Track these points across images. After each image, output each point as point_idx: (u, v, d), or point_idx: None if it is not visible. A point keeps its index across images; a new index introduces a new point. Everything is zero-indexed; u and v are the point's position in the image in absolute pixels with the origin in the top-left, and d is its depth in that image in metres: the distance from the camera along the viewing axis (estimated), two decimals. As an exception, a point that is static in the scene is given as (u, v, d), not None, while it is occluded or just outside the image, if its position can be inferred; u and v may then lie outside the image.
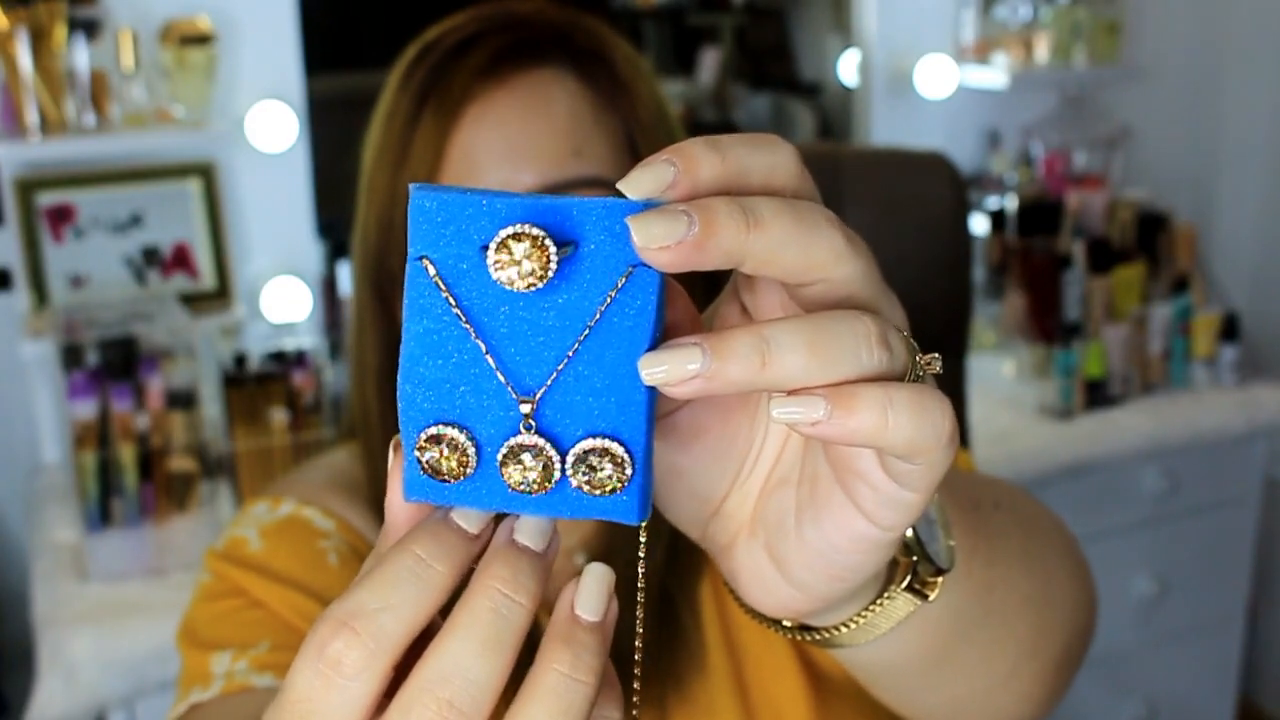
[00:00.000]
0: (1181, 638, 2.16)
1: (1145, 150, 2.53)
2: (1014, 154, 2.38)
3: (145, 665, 1.40)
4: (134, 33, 1.73)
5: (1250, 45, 2.50)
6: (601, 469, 0.37)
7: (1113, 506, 2.02)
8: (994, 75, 2.29)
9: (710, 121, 2.90)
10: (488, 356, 0.37)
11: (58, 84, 1.69)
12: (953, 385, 1.21)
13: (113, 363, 1.50)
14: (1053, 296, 2.05)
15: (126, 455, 1.50)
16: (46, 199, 1.76)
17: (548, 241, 0.35)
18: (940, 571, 0.47)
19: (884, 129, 2.36)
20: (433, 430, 0.38)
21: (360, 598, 0.37)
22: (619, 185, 0.36)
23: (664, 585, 0.77)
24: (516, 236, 0.35)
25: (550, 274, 0.35)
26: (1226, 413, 2.04)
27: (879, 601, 0.46)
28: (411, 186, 0.37)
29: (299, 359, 1.60)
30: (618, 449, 0.37)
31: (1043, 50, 2.31)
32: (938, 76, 2.31)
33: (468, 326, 0.37)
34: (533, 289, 0.36)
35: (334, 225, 2.00)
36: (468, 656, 0.37)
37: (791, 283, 0.38)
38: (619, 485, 0.38)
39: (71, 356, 1.49)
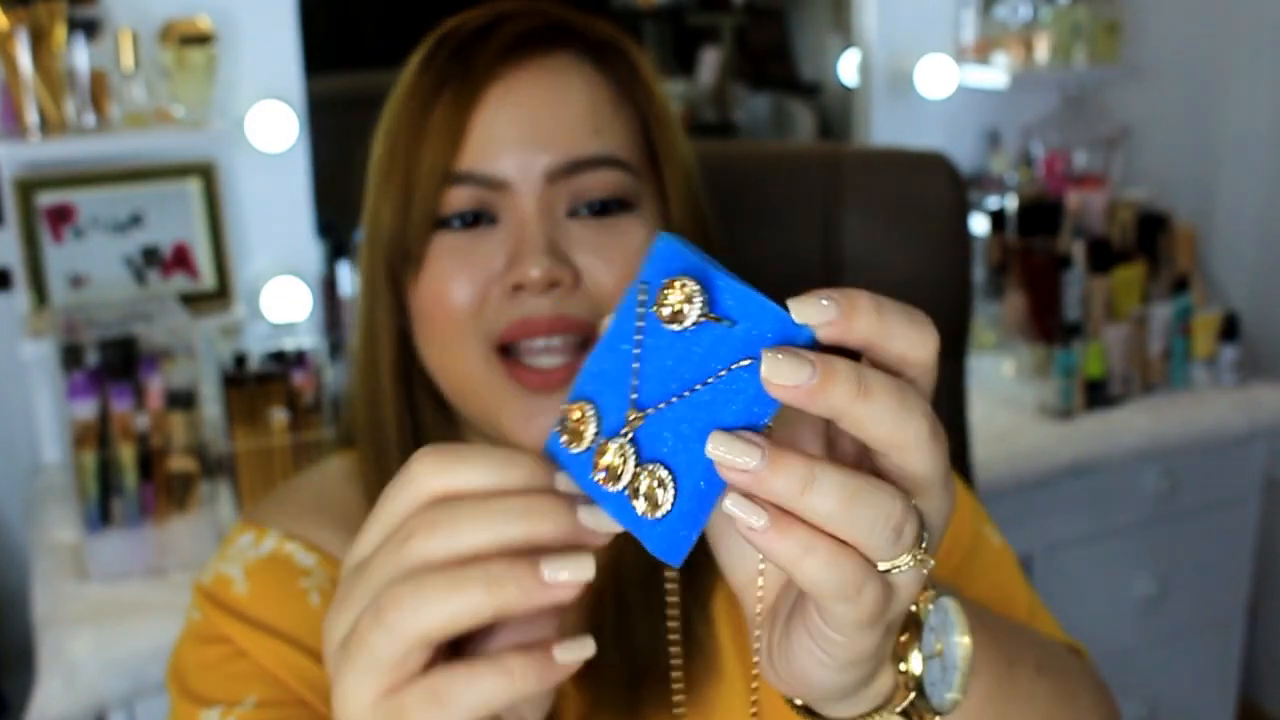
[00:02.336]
0: (1182, 638, 2.16)
1: (1145, 150, 2.53)
2: (1014, 154, 2.38)
3: (145, 665, 1.40)
4: (134, 33, 1.73)
5: (1250, 45, 2.50)
6: (654, 492, 0.43)
7: (1113, 507, 2.02)
8: (994, 75, 2.29)
9: (710, 121, 2.90)
10: (635, 365, 0.44)
11: (58, 84, 1.69)
12: (953, 386, 1.21)
13: (113, 363, 1.50)
14: (1053, 296, 2.05)
15: (126, 455, 1.49)
16: (46, 199, 1.76)
17: (697, 297, 0.42)
18: (936, 713, 0.49)
19: (884, 129, 2.36)
20: (580, 403, 0.46)
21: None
22: (790, 302, 0.41)
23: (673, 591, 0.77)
24: (681, 284, 0.42)
25: (686, 322, 0.42)
26: (1226, 413, 2.04)
27: (874, 715, 0.50)
28: (664, 234, 0.45)
29: (299, 359, 1.60)
30: (669, 482, 0.43)
31: (1043, 50, 2.31)
32: (938, 76, 2.30)
33: (637, 339, 0.44)
34: (673, 328, 0.43)
35: (333, 225, 2.00)
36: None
37: (870, 448, 0.43)
38: (659, 515, 0.43)
39: (71, 356, 1.49)
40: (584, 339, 0.73)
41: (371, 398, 0.80)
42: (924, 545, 0.43)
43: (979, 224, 2.21)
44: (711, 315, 0.42)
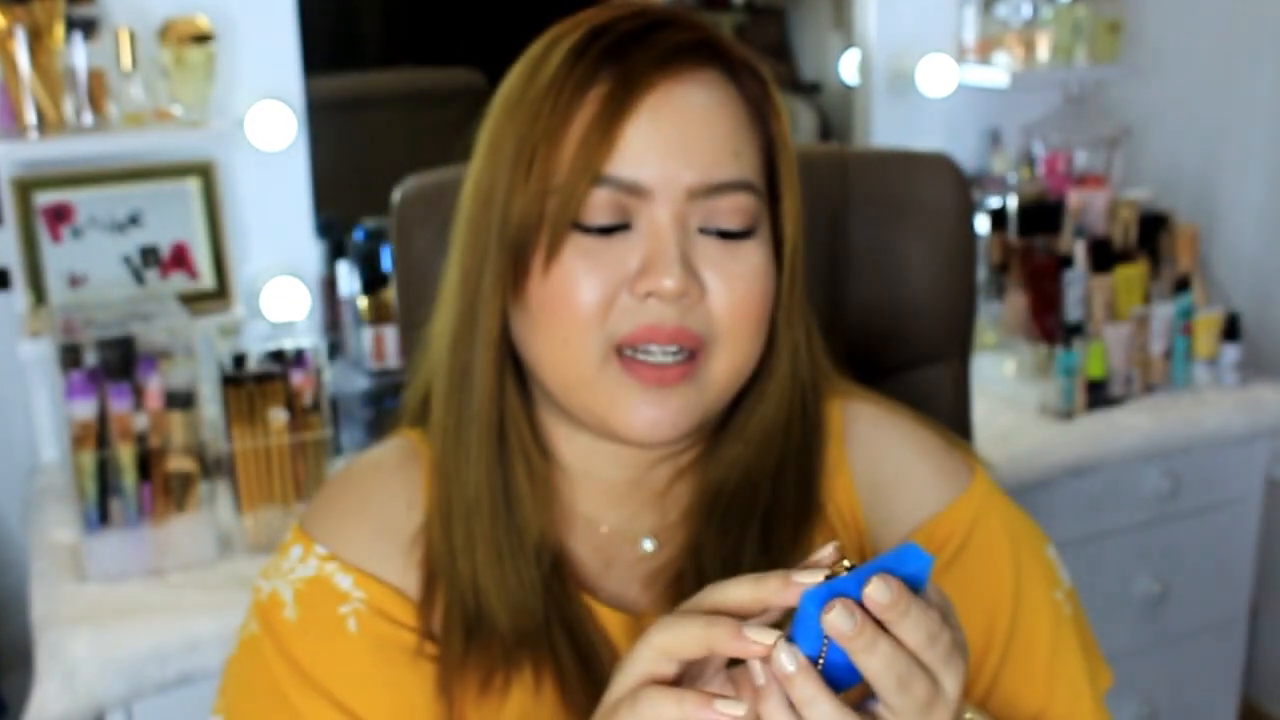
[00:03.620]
0: (1183, 639, 2.15)
1: (1147, 150, 2.52)
2: (1015, 153, 2.38)
3: (144, 666, 1.39)
4: (132, 31, 1.72)
5: (1252, 44, 2.50)
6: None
7: (1114, 507, 2.02)
8: (995, 74, 2.28)
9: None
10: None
11: (56, 83, 1.68)
12: (956, 386, 1.21)
13: (111, 362, 1.50)
14: (1054, 296, 2.04)
15: (125, 455, 1.49)
16: (44, 198, 1.75)
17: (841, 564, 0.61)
18: None
19: (885, 128, 2.35)
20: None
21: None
22: (869, 595, 0.57)
23: None
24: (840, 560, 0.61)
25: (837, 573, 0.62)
26: (1228, 413, 2.03)
27: None
28: (910, 545, 0.60)
29: (298, 359, 1.60)
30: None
31: (1044, 49, 2.30)
32: (939, 76, 2.30)
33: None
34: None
35: (333, 225, 1.99)
36: None
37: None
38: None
39: (70, 356, 1.48)
40: (695, 351, 0.76)
41: (461, 371, 0.81)
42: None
43: (980, 223, 2.20)
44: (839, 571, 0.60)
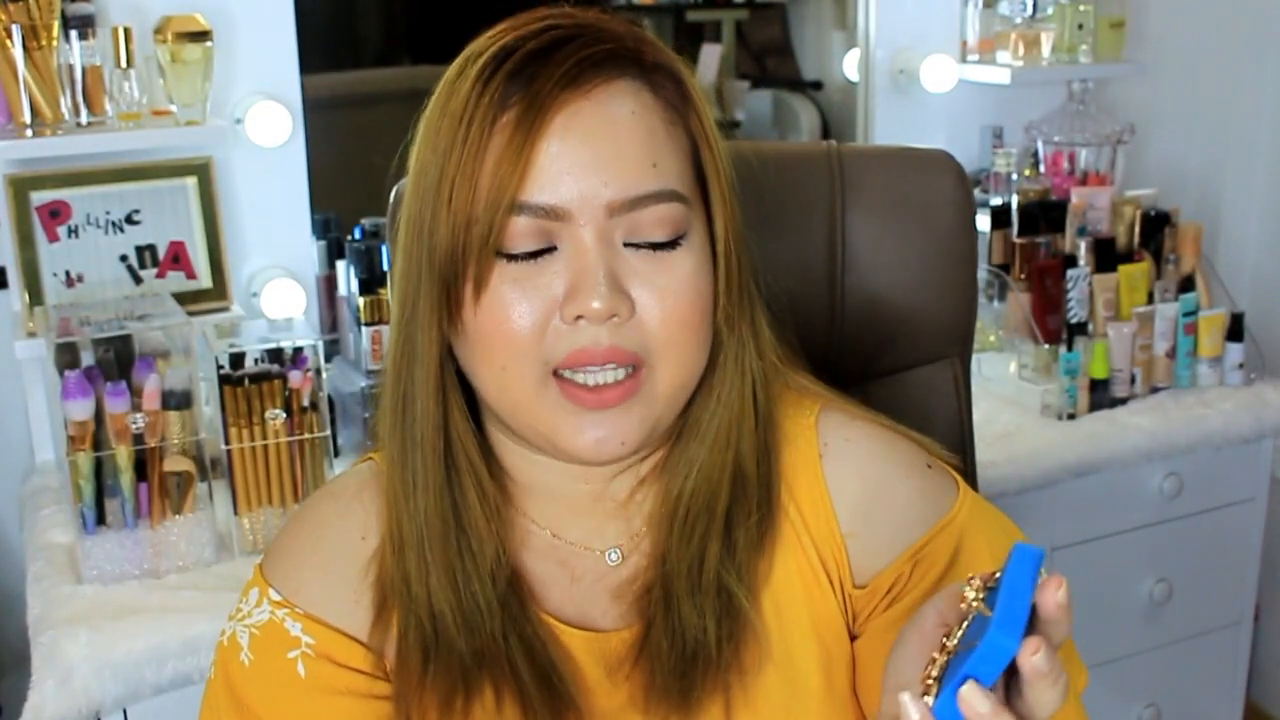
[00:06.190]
0: (1188, 640, 2.14)
1: (1150, 148, 2.51)
2: (1018, 151, 2.36)
3: (140, 668, 1.38)
4: (129, 29, 1.71)
5: (1256, 41, 2.48)
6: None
7: (1118, 508, 2.01)
8: (997, 72, 2.27)
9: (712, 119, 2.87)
10: (962, 628, 0.65)
11: (52, 81, 1.67)
12: (957, 386, 1.19)
13: (107, 363, 1.49)
14: (1056, 295, 2.03)
15: (122, 456, 1.48)
16: (41, 197, 1.74)
17: (979, 595, 0.63)
18: None
19: (886, 126, 2.34)
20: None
21: None
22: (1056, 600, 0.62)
23: (721, 580, 0.81)
24: (979, 583, 0.64)
25: (972, 607, 0.63)
26: (1232, 413, 2.02)
27: None
28: (1019, 545, 0.64)
29: (296, 358, 1.59)
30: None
31: (1046, 47, 2.29)
32: (941, 73, 2.29)
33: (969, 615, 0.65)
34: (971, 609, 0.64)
35: (331, 223, 1.98)
36: None
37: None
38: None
39: (66, 356, 1.48)
40: (632, 367, 0.76)
41: (403, 399, 0.81)
42: None
43: (982, 222, 2.19)
44: (984, 609, 0.62)
